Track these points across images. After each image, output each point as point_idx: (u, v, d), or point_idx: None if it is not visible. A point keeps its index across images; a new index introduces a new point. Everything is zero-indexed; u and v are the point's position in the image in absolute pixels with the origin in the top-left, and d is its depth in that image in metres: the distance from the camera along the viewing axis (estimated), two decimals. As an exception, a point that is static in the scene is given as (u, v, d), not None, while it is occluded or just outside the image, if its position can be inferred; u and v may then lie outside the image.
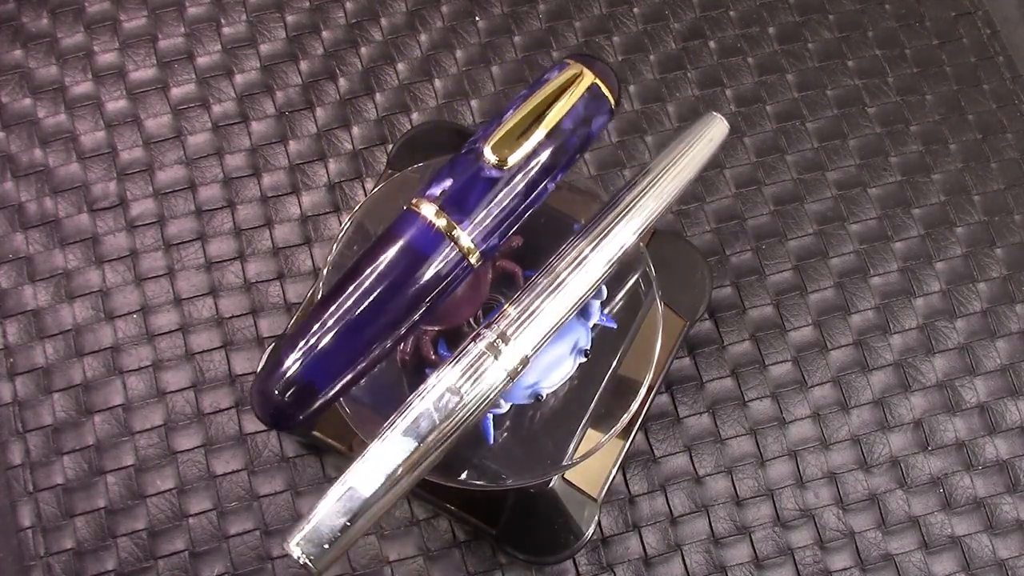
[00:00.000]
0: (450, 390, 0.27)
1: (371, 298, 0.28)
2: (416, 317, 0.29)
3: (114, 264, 0.42)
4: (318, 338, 0.28)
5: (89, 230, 0.42)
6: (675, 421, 0.41)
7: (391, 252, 0.28)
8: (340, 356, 0.28)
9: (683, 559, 0.39)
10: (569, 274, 0.29)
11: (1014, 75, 0.46)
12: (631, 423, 0.38)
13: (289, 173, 0.43)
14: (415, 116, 0.44)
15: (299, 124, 0.44)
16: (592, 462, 0.36)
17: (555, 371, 0.33)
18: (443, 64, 0.45)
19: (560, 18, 0.46)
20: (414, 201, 0.29)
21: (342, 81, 0.44)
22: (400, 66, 0.45)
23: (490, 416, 0.33)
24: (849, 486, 0.40)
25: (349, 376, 0.28)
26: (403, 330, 0.29)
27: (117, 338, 0.41)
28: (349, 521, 0.26)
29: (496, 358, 0.28)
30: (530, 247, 0.34)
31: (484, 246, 0.29)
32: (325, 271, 0.35)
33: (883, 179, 0.44)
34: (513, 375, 0.28)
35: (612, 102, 0.30)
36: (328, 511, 0.26)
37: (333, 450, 0.39)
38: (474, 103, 0.44)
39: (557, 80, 0.30)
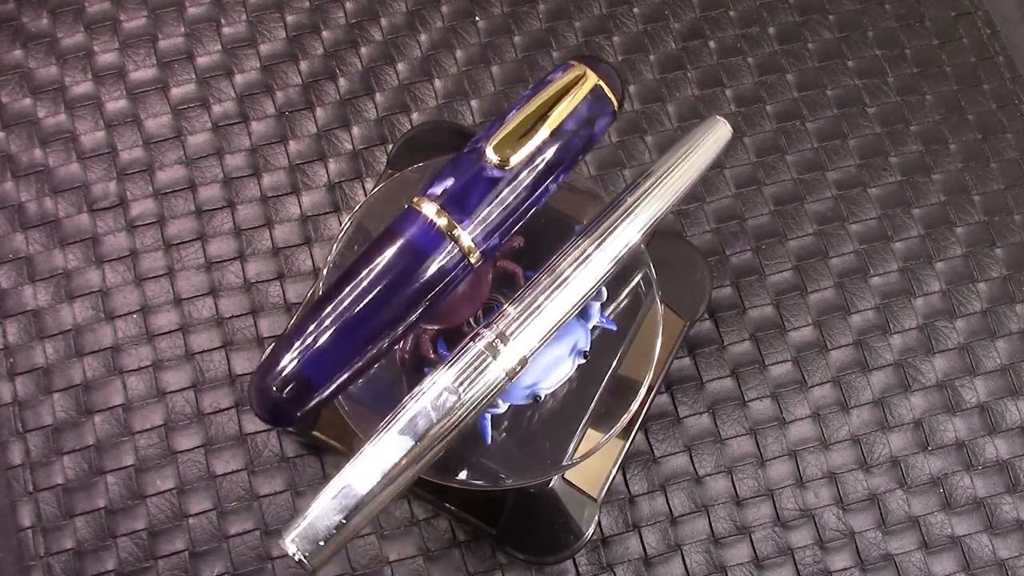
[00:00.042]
0: (448, 389, 0.27)
1: (370, 296, 0.28)
2: (415, 316, 0.29)
3: (114, 264, 0.42)
4: (317, 335, 0.28)
5: (89, 230, 0.42)
6: (675, 421, 0.41)
7: (391, 250, 0.28)
8: (338, 353, 0.28)
9: (683, 559, 0.39)
10: (569, 276, 0.29)
11: (1014, 75, 0.46)
12: (631, 423, 0.38)
13: (289, 173, 0.43)
14: (415, 116, 0.44)
15: (299, 124, 0.44)
16: (592, 462, 0.36)
17: (554, 372, 0.33)
18: (443, 64, 0.45)
19: (560, 18, 0.46)
20: (415, 200, 0.29)
21: (342, 81, 0.44)
22: (400, 66, 0.45)
23: (488, 416, 0.33)
24: (849, 486, 0.40)
25: (347, 373, 0.28)
26: (402, 329, 0.29)
27: (117, 338, 0.41)
28: (345, 518, 0.26)
29: (495, 358, 0.28)
30: (531, 247, 0.34)
31: (484, 246, 0.29)
32: (325, 271, 0.35)
33: (883, 179, 0.44)
34: (511, 376, 0.28)
35: (615, 104, 0.30)
36: (324, 508, 0.26)
37: (333, 450, 0.39)
38: (474, 103, 0.44)
39: (561, 81, 0.30)
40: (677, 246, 0.41)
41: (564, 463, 0.34)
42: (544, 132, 0.29)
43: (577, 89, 0.30)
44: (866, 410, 0.41)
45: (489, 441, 0.33)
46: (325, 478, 0.39)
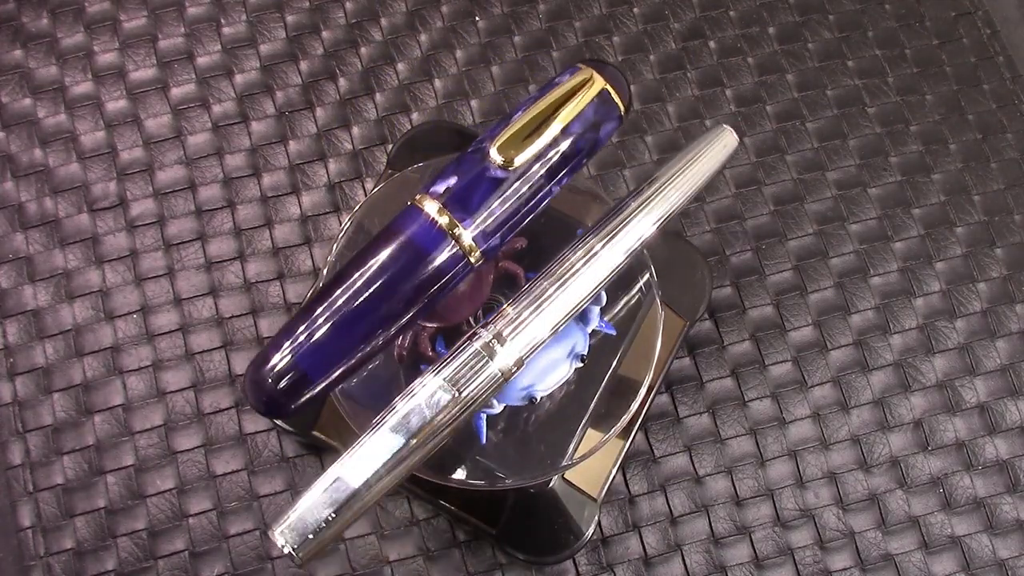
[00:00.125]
0: (442, 388, 0.28)
1: (369, 292, 0.28)
2: (414, 313, 0.29)
3: (114, 264, 0.42)
4: (314, 328, 0.28)
5: (89, 230, 0.42)
6: (675, 421, 0.41)
7: (392, 247, 0.28)
8: (335, 347, 0.28)
9: (683, 559, 0.39)
10: (568, 279, 0.29)
11: (1014, 75, 0.46)
12: (631, 423, 0.38)
13: (289, 173, 0.43)
14: (415, 116, 0.44)
15: (299, 124, 0.44)
16: (592, 462, 0.36)
17: (551, 375, 0.33)
18: (443, 64, 0.45)
19: (560, 18, 0.46)
20: (417, 197, 0.29)
21: (342, 81, 0.44)
22: (400, 66, 0.45)
23: (483, 416, 0.33)
24: (849, 486, 0.40)
25: (343, 368, 0.28)
26: (400, 325, 0.29)
27: (117, 338, 0.41)
28: (334, 512, 0.26)
29: (491, 358, 0.28)
30: (534, 249, 0.34)
31: (485, 245, 0.29)
32: (325, 271, 0.35)
33: (883, 179, 0.44)
34: (507, 376, 0.28)
35: (622, 109, 0.30)
36: (314, 502, 0.26)
37: (333, 450, 0.39)
38: (474, 103, 0.44)
39: (567, 84, 0.30)
40: (677, 246, 0.41)
41: (564, 463, 0.34)
42: (549, 134, 0.29)
43: (584, 92, 0.29)
44: (866, 410, 0.41)
45: (484, 440, 0.33)
46: (325, 478, 0.39)
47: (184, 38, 0.45)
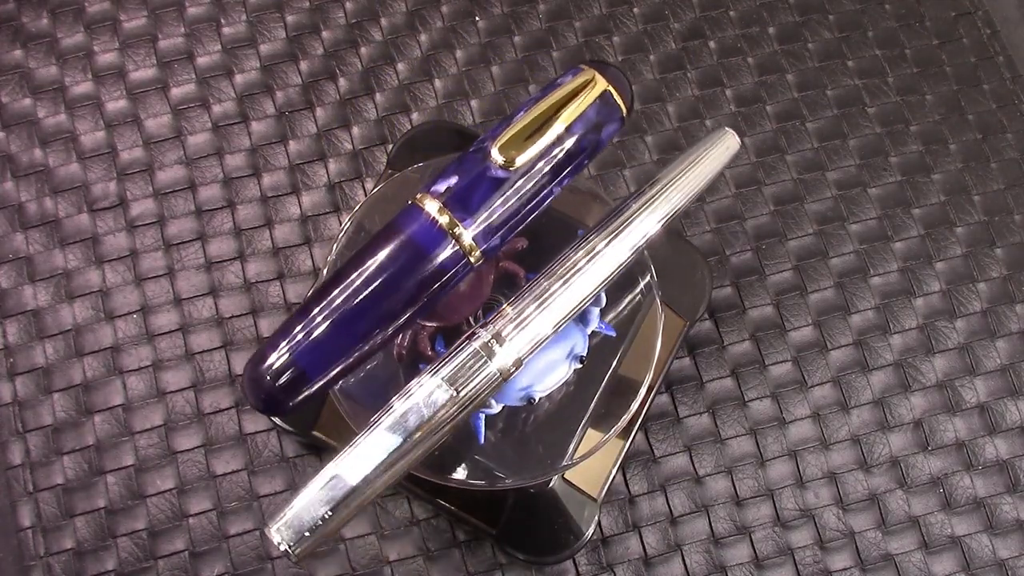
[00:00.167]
0: (440, 387, 0.28)
1: (368, 290, 0.28)
2: (413, 312, 0.29)
3: (114, 264, 0.42)
4: (312, 326, 0.28)
5: (89, 230, 0.42)
6: (675, 421, 0.41)
7: (392, 246, 0.28)
8: (333, 345, 0.28)
9: (683, 559, 0.39)
10: (568, 281, 0.29)
11: (1014, 75, 0.46)
12: (631, 423, 0.38)
13: (289, 173, 0.43)
14: (415, 116, 0.44)
15: (299, 124, 0.44)
16: (592, 462, 0.36)
17: (549, 376, 0.33)
18: (443, 64, 0.45)
19: (560, 18, 0.46)
20: (418, 196, 0.29)
21: (342, 81, 0.44)
22: (400, 66, 0.45)
23: (482, 415, 0.33)
24: (849, 486, 0.40)
25: (341, 366, 0.28)
26: (399, 324, 0.29)
27: (117, 338, 0.41)
28: (331, 510, 0.26)
29: (489, 358, 0.28)
30: (534, 249, 0.34)
31: (485, 245, 0.29)
32: (325, 271, 0.35)
33: (883, 179, 0.44)
34: (505, 377, 0.28)
35: (624, 110, 0.30)
36: (310, 499, 0.26)
37: (333, 450, 0.39)
38: (474, 103, 0.44)
39: (569, 85, 0.30)
40: (677, 246, 0.41)
41: (564, 463, 0.34)
42: (551, 135, 0.29)
43: (586, 93, 0.29)
44: (866, 410, 0.41)
45: (482, 440, 0.33)
46: (325, 478, 0.39)
47: (184, 38, 0.45)
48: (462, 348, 0.28)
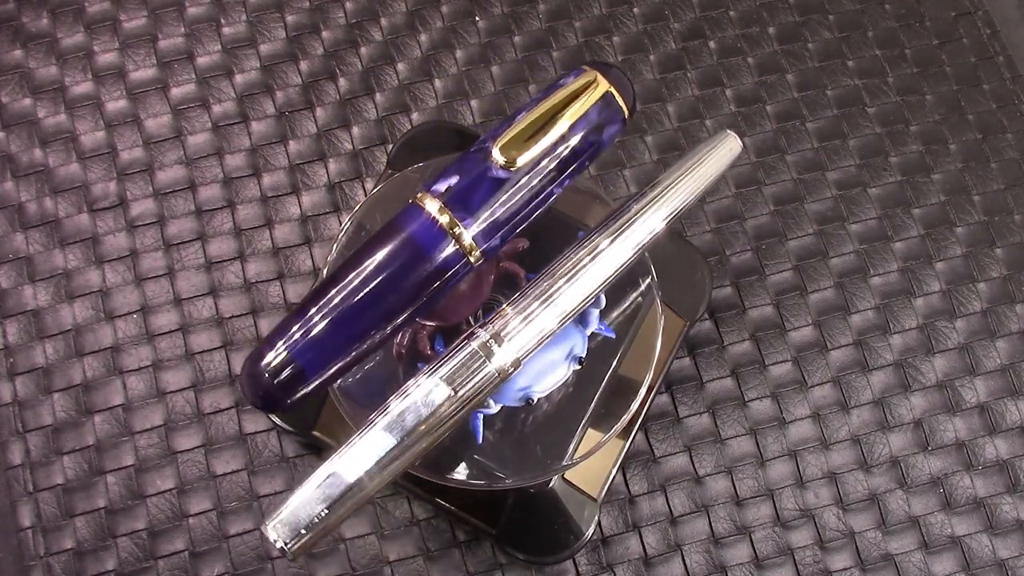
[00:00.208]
0: (438, 387, 0.28)
1: (367, 288, 0.28)
2: (412, 311, 0.29)
3: (114, 264, 0.42)
4: (311, 324, 0.28)
5: (89, 230, 0.42)
6: (675, 421, 0.41)
7: (391, 244, 0.28)
8: (332, 343, 0.28)
9: (683, 559, 0.39)
10: (567, 282, 0.29)
11: (1014, 75, 0.46)
12: (631, 423, 0.38)
13: (289, 173, 0.43)
14: (415, 116, 0.44)
15: (299, 124, 0.44)
16: (592, 462, 0.36)
17: (548, 376, 0.33)
18: (443, 64, 0.45)
19: (560, 18, 0.46)
20: (419, 195, 0.29)
21: (342, 81, 0.44)
22: (400, 66, 0.45)
23: (480, 415, 0.33)
24: (849, 486, 0.40)
25: (340, 364, 0.28)
26: (398, 323, 0.29)
27: (117, 338, 0.41)
28: (327, 508, 0.26)
29: (488, 359, 0.28)
30: (534, 249, 0.34)
31: (485, 245, 0.29)
32: (325, 271, 0.35)
33: (883, 179, 0.44)
34: (503, 377, 0.28)
35: (626, 112, 0.30)
36: (306, 497, 0.26)
37: (333, 450, 0.38)
38: (474, 103, 0.44)
39: (572, 86, 0.30)
40: (677, 246, 0.41)
41: (564, 463, 0.34)
42: (552, 136, 0.29)
43: (588, 94, 0.29)
44: (866, 410, 0.41)
45: (480, 440, 0.33)
46: (325, 478, 0.39)
47: (184, 38, 0.45)
48: (460, 348, 0.28)
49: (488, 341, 0.28)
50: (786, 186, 0.44)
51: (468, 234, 0.28)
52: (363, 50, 0.45)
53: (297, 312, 0.28)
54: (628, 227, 0.30)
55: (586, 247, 0.30)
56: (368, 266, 0.28)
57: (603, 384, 0.35)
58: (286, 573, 0.38)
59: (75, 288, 0.41)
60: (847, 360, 0.42)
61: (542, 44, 0.45)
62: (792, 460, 0.40)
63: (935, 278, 0.43)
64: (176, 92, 0.44)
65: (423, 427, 0.27)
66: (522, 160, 0.29)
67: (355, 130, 0.44)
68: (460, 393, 0.28)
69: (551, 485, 0.37)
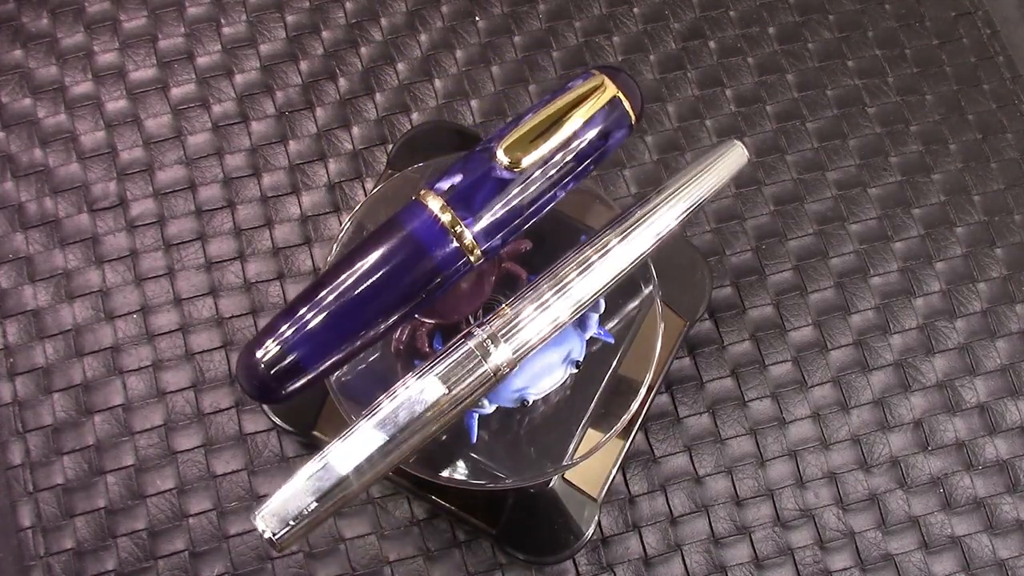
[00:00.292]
0: (432, 385, 0.28)
1: (366, 283, 0.28)
2: (410, 308, 0.29)
3: (114, 264, 0.42)
4: (310, 316, 0.28)
5: (89, 230, 0.42)
6: (675, 421, 0.41)
7: (392, 241, 0.28)
8: (329, 336, 0.28)
9: (683, 559, 0.39)
10: (567, 286, 0.29)
11: (1014, 75, 0.46)
12: (631, 423, 0.38)
13: (289, 173, 0.43)
14: (415, 116, 0.44)
15: (299, 124, 0.44)
16: (592, 462, 0.36)
17: (545, 379, 0.33)
18: (443, 64, 0.45)
19: (560, 18, 0.46)
20: (422, 192, 0.29)
21: (342, 81, 0.44)
22: (400, 66, 0.45)
23: (475, 415, 0.33)
24: (849, 486, 0.40)
25: (336, 356, 0.28)
26: (396, 318, 0.29)
27: (117, 338, 0.41)
28: (317, 501, 0.26)
29: (484, 359, 0.28)
30: (537, 251, 0.34)
31: (486, 245, 0.29)
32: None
33: (883, 179, 0.44)
34: (499, 378, 0.28)
35: (633, 117, 0.30)
36: (296, 490, 0.26)
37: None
38: (474, 103, 0.44)
39: (579, 89, 0.30)
40: (677, 246, 0.41)
41: (564, 463, 0.34)
42: (557, 138, 0.29)
43: (595, 98, 0.29)
44: (866, 410, 0.41)
45: (474, 439, 0.33)
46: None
47: (184, 38, 0.45)
48: (457, 346, 0.28)
49: (485, 341, 0.28)
50: (786, 186, 0.44)
51: (469, 233, 0.28)
52: (363, 50, 0.45)
53: (295, 304, 0.28)
54: (630, 233, 0.30)
55: (586, 252, 0.30)
56: (368, 261, 0.28)
57: (603, 384, 0.35)
58: (286, 573, 0.38)
59: (75, 288, 0.41)
60: (847, 360, 0.42)
61: (542, 44, 0.45)
62: (792, 460, 0.40)
63: (935, 278, 0.43)
64: (176, 92, 0.44)
65: (416, 424, 0.27)
66: (526, 161, 0.29)
67: (355, 130, 0.44)
68: (455, 392, 0.28)
69: (551, 485, 0.37)
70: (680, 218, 0.30)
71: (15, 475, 0.39)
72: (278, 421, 0.38)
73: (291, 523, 0.26)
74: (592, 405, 0.34)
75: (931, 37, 0.46)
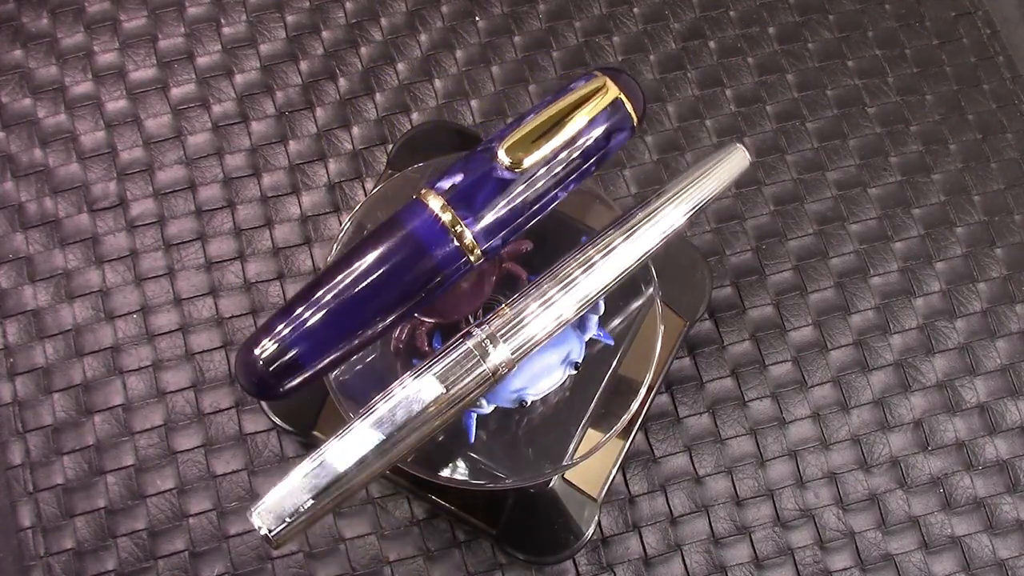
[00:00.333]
0: (430, 384, 0.28)
1: (366, 281, 0.28)
2: (409, 307, 0.29)
3: (114, 264, 0.42)
4: (308, 313, 0.28)
5: (89, 230, 0.42)
6: (675, 421, 0.41)
7: (392, 239, 0.28)
8: (328, 334, 0.28)
9: (683, 559, 0.39)
10: (566, 288, 0.29)
11: (1014, 75, 0.46)
12: (631, 423, 0.38)
13: (289, 173, 0.43)
14: (415, 116, 0.44)
15: (299, 124, 0.44)
16: (592, 462, 0.36)
17: (543, 380, 0.33)
18: (443, 64, 0.45)
19: (560, 18, 0.46)
20: (423, 191, 0.29)
21: (342, 81, 0.44)
22: (400, 66, 0.45)
23: (473, 415, 0.33)
24: (849, 486, 0.40)
25: (335, 354, 0.28)
26: (395, 317, 0.29)
27: (117, 338, 0.41)
28: (313, 498, 0.26)
29: (482, 359, 0.28)
30: (538, 252, 0.34)
31: (486, 245, 0.29)
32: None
33: (883, 179, 0.44)
34: (497, 378, 0.28)
35: (635, 119, 0.30)
36: (293, 487, 0.26)
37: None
38: (474, 103, 0.44)
39: (581, 90, 0.30)
40: (677, 246, 0.41)
41: (564, 463, 0.34)
42: (558, 139, 0.29)
43: (597, 100, 0.29)
44: (866, 410, 0.41)
45: (472, 439, 0.33)
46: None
47: (184, 38, 0.45)
48: (456, 346, 0.28)
49: (484, 341, 0.28)
50: (786, 186, 0.44)
51: (469, 233, 0.28)
52: (363, 50, 0.45)
53: (294, 301, 0.28)
54: (631, 235, 0.30)
55: (586, 254, 0.30)
56: (368, 259, 0.28)
57: (603, 384, 0.35)
58: (286, 573, 0.38)
59: (75, 288, 0.41)
60: (847, 360, 0.42)
61: (542, 44, 0.45)
62: (792, 460, 0.40)
63: (935, 278, 0.43)
64: (176, 92, 0.44)
65: (413, 423, 0.27)
66: (528, 162, 0.29)
67: (355, 130, 0.44)
68: (452, 391, 0.28)
69: (551, 485, 0.37)
70: (680, 222, 0.30)
71: (15, 475, 0.39)
72: (278, 421, 0.38)
73: (287, 520, 0.26)
74: (592, 405, 0.34)
75: (931, 37, 0.46)
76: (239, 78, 0.44)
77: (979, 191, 0.44)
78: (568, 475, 0.38)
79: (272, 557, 0.38)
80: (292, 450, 0.40)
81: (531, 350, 0.29)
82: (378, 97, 0.44)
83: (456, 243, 0.28)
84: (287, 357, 0.28)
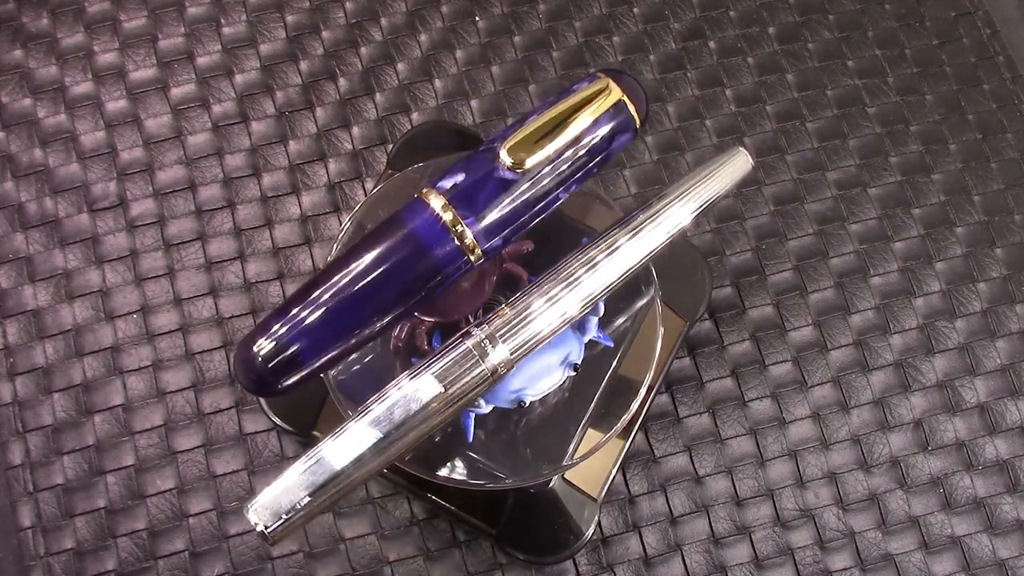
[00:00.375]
0: (428, 383, 0.28)
1: (366, 280, 0.28)
2: (408, 305, 0.29)
3: (114, 264, 0.42)
4: (307, 311, 0.28)
5: (89, 230, 0.42)
6: (675, 421, 0.41)
7: (393, 238, 0.28)
8: (327, 331, 0.28)
9: (683, 559, 0.39)
10: (567, 287, 0.29)
11: (1014, 75, 0.46)
12: (631, 423, 0.38)
13: (289, 173, 0.43)
14: (415, 116, 0.44)
15: (299, 124, 0.44)
16: (592, 462, 0.36)
17: (542, 381, 0.33)
18: (443, 64, 0.45)
19: (560, 18, 0.46)
20: (424, 190, 0.29)
21: (342, 81, 0.44)
22: (400, 66, 0.45)
23: (471, 414, 0.33)
24: (849, 486, 0.40)
25: (334, 352, 0.28)
26: (395, 316, 0.29)
27: (117, 338, 0.41)
28: (310, 495, 0.26)
29: (481, 359, 0.28)
30: (539, 252, 0.34)
31: (487, 245, 0.29)
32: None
33: (883, 179, 0.44)
34: (496, 378, 0.28)
35: (637, 121, 0.30)
36: (290, 484, 0.26)
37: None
38: (474, 103, 0.44)
39: (584, 92, 0.30)
40: (677, 246, 0.41)
41: (564, 463, 0.34)
42: (560, 140, 0.29)
43: (600, 101, 0.29)
44: (866, 410, 0.41)
45: (470, 439, 0.33)
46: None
47: (184, 38, 0.45)
48: (455, 346, 0.28)
49: (483, 341, 0.28)
50: (786, 186, 0.44)
51: (470, 232, 0.28)
52: (363, 50, 0.45)
53: (293, 299, 0.28)
54: (632, 237, 0.30)
55: (587, 255, 0.30)
56: (368, 258, 0.28)
57: (603, 385, 0.35)
58: (286, 573, 0.38)
59: (75, 288, 0.41)
60: (847, 360, 0.42)
61: (542, 44, 0.45)
62: (792, 460, 0.40)
63: (935, 278, 0.43)
64: (176, 92, 0.44)
65: (411, 422, 0.27)
66: (530, 162, 0.29)
67: (355, 130, 0.44)
68: (451, 391, 0.28)
69: (551, 485, 0.37)
70: (680, 225, 0.30)
71: (15, 475, 0.39)
72: (278, 421, 0.38)
73: (284, 516, 0.26)
74: (592, 406, 0.34)
75: (931, 37, 0.46)
76: (239, 78, 0.44)
77: (979, 191, 0.44)
78: (568, 475, 0.38)
79: (272, 557, 0.38)
80: (292, 450, 0.40)
81: (530, 350, 0.29)
82: (378, 97, 0.44)
83: (457, 243, 0.28)
84: (286, 354, 0.28)
